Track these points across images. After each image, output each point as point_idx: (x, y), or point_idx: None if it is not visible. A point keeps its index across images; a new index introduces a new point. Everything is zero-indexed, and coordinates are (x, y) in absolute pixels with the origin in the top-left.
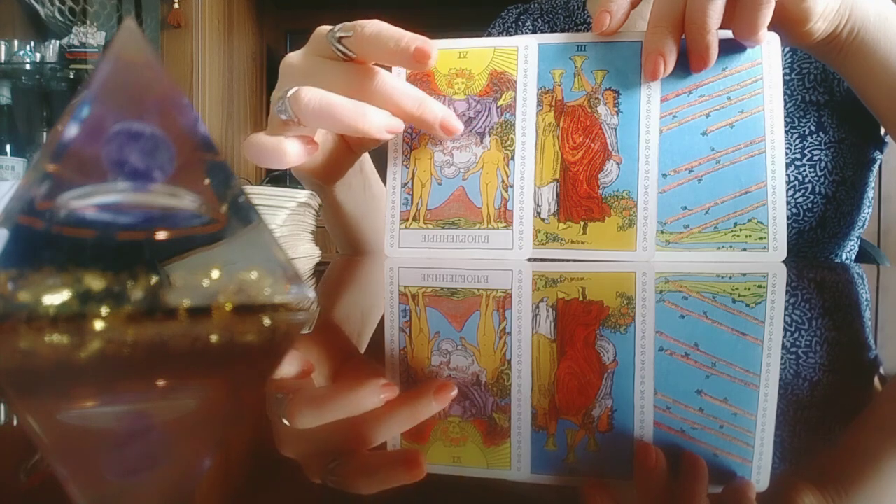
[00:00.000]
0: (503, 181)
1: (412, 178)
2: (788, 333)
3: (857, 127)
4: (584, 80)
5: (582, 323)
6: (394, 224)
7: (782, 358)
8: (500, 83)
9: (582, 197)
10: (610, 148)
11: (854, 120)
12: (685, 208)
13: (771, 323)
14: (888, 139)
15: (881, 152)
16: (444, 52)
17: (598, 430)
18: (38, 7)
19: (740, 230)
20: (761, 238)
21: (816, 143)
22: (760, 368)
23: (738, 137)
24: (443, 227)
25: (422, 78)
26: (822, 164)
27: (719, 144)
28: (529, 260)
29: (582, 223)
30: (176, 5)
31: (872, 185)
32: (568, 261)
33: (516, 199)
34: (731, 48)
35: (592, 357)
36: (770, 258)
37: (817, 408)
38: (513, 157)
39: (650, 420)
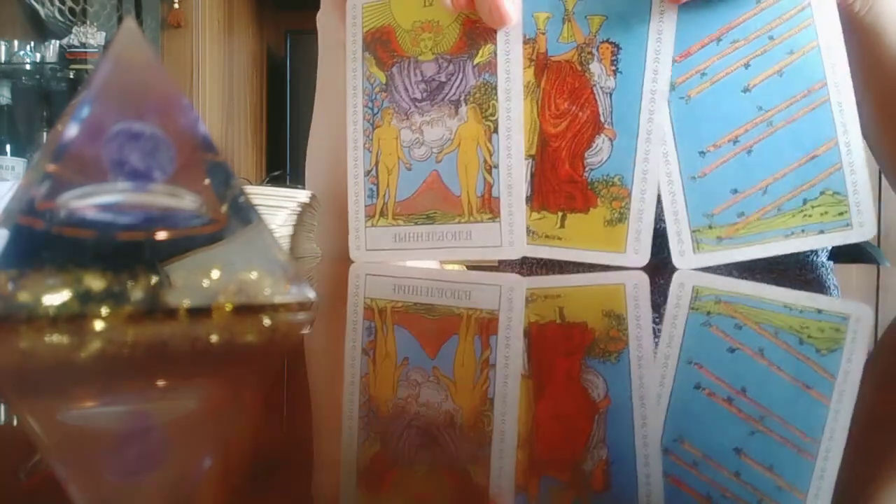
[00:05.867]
0: (485, 161)
1: (376, 163)
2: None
3: None
4: (576, 28)
5: (564, 353)
6: (358, 222)
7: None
8: (475, 35)
9: (562, 180)
10: (601, 119)
11: None
12: (735, 191)
13: (844, 379)
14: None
15: None
16: (405, 1)
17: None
18: (38, 7)
19: (812, 207)
20: (841, 213)
21: None
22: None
23: (791, 87)
24: (416, 223)
25: (381, 37)
26: None
27: (768, 101)
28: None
29: (559, 214)
30: (176, 5)
31: None
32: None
33: (503, 182)
34: None
35: (582, 402)
36: (856, 237)
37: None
38: (496, 130)
39: (658, 477)
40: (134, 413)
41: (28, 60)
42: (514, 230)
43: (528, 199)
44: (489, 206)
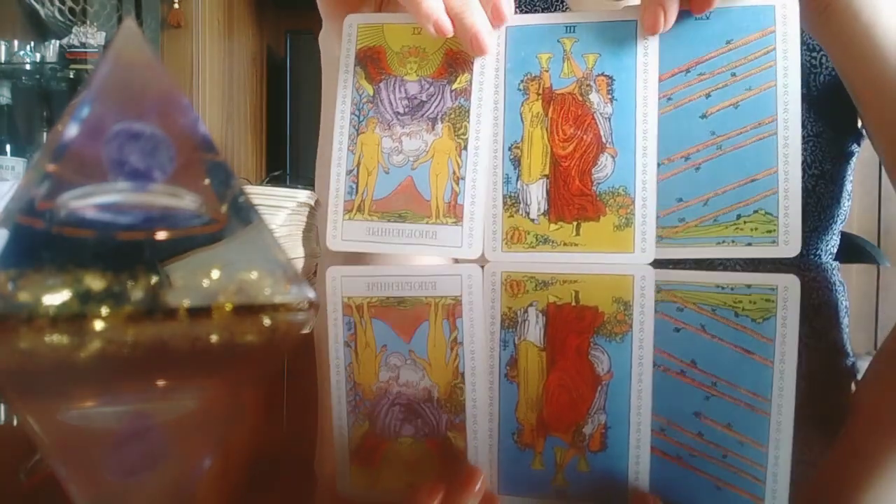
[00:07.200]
0: (454, 172)
1: (358, 164)
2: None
3: (834, 120)
4: (574, 65)
5: (575, 331)
6: (337, 214)
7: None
8: (455, 64)
9: (574, 194)
10: (604, 140)
11: (831, 114)
12: (680, 200)
13: (783, 342)
14: (864, 131)
15: (858, 145)
16: (397, 27)
17: (592, 447)
18: (38, 7)
19: (744, 223)
20: (769, 231)
21: None
22: (771, 391)
23: (743, 119)
24: (389, 220)
25: (372, 55)
26: (802, 158)
27: (721, 128)
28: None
29: (575, 223)
30: (176, 5)
31: (851, 178)
32: (548, 263)
33: (467, 192)
34: (738, 18)
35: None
36: (779, 253)
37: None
38: (465, 147)
39: (646, 445)
40: (134, 413)
41: (28, 60)
42: (473, 234)
43: (546, 213)
44: (454, 212)
